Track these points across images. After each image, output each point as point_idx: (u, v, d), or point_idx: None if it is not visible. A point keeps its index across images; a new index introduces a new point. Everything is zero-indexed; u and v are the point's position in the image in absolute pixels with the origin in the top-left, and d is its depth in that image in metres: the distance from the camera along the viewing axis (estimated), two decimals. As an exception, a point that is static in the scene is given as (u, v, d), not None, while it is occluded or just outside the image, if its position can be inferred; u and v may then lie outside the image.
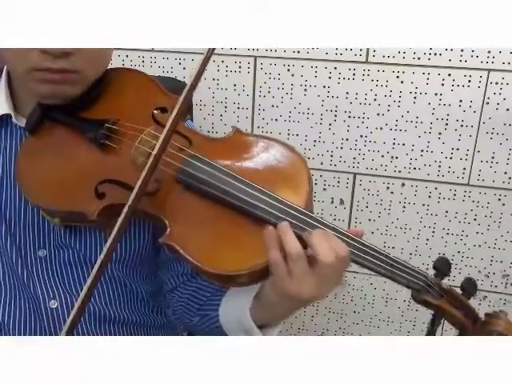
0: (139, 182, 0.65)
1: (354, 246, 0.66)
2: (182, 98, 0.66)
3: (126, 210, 0.64)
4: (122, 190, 0.72)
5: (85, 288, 0.62)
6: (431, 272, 0.71)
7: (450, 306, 0.69)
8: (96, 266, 0.63)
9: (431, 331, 0.71)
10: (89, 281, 0.63)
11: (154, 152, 0.65)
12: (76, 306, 0.62)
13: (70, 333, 0.62)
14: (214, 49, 0.66)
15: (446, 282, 0.71)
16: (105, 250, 0.63)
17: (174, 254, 0.68)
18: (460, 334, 0.71)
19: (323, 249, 0.63)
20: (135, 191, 0.64)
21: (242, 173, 0.70)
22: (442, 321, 0.71)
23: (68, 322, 0.62)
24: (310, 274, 0.63)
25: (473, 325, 0.70)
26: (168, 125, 0.66)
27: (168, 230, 0.68)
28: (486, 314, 0.70)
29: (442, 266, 0.71)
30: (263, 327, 0.73)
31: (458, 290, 0.71)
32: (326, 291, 0.66)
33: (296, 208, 0.67)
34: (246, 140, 0.75)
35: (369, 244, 0.68)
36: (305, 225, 0.66)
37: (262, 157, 0.73)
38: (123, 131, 0.76)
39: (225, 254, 0.67)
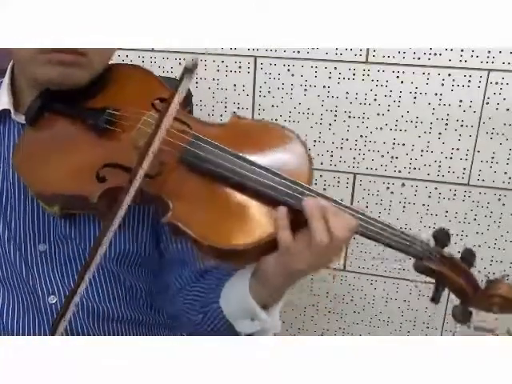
0: (139, 162, 0.66)
1: (358, 218, 0.69)
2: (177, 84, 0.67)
3: (126, 187, 0.65)
4: (123, 173, 0.72)
5: (78, 277, 0.64)
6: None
7: (451, 272, 0.71)
8: (92, 252, 0.65)
9: (436, 298, 0.73)
10: (84, 268, 0.65)
11: (154, 131, 0.66)
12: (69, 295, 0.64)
13: (55, 328, 0.63)
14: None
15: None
16: (102, 230, 0.65)
17: (177, 233, 0.69)
18: (461, 303, 0.73)
19: (339, 225, 0.66)
20: (134, 171, 0.66)
21: (242, 153, 0.72)
22: (445, 288, 0.73)
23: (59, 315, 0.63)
24: (323, 251, 0.67)
25: (474, 292, 0.72)
26: (172, 102, 0.67)
27: (170, 209, 0.69)
28: (488, 281, 0.72)
29: (442, 236, 0.73)
30: (265, 308, 0.74)
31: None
32: (328, 260, 0.69)
33: (301, 184, 0.69)
34: (245, 124, 0.78)
35: (370, 215, 0.70)
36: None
37: (262, 139, 0.75)
38: (125, 115, 0.77)
39: (228, 229, 0.69)
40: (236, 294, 0.75)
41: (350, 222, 0.68)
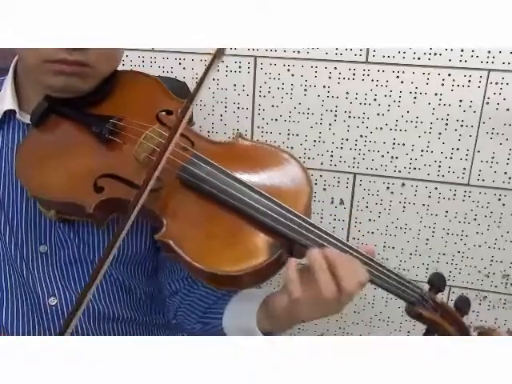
0: (147, 180, 0.65)
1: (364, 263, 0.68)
2: (191, 98, 0.67)
3: (131, 208, 0.65)
4: (122, 185, 0.72)
5: (87, 284, 0.63)
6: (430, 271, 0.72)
7: (443, 320, 0.69)
8: (99, 264, 0.64)
9: None
10: (93, 274, 0.64)
11: (161, 148, 0.66)
12: (77, 302, 0.63)
13: (65, 331, 0.63)
14: (222, 49, 0.67)
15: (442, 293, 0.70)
16: (108, 248, 0.64)
17: (168, 252, 0.68)
18: None
19: (348, 278, 0.64)
20: (143, 189, 0.65)
21: (241, 175, 0.71)
22: (435, 334, 0.71)
23: (68, 319, 0.63)
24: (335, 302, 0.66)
25: None
26: (181, 118, 0.66)
27: (164, 227, 0.68)
28: (479, 333, 0.71)
29: (437, 281, 0.72)
30: (267, 334, 0.73)
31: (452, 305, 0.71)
32: (336, 311, 0.70)
33: (295, 213, 0.67)
34: (248, 145, 0.77)
35: (368, 255, 0.69)
36: (303, 230, 0.67)
37: (263, 162, 0.74)
38: (128, 127, 0.76)
39: (220, 254, 0.67)
40: (242, 318, 0.74)
41: (361, 276, 0.65)
